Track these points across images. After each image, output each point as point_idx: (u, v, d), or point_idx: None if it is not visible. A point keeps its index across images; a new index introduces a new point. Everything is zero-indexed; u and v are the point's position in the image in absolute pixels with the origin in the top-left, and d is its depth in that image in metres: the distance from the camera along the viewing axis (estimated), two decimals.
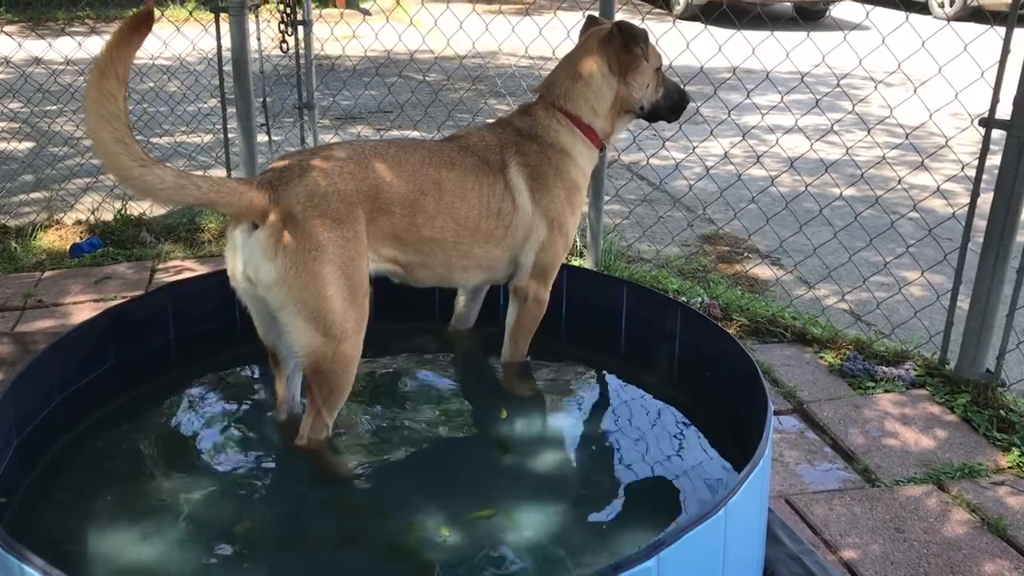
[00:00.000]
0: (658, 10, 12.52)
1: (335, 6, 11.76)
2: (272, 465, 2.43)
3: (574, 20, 4.27)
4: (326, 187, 2.31)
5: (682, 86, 2.99)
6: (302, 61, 4.70)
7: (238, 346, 2.91)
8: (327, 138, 5.45)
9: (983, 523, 2.65)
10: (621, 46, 2.76)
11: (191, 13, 6.85)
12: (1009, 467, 2.91)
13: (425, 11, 5.10)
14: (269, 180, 2.30)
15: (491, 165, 2.67)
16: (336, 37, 5.34)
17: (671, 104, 2.93)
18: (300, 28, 4.63)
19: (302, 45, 4.67)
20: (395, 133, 5.66)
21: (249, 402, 2.75)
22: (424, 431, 2.62)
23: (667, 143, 5.01)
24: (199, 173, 2.24)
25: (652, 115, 2.93)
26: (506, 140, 2.74)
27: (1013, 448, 2.98)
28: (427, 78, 6.67)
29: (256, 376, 2.86)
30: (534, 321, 2.85)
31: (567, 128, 2.77)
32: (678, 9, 13.23)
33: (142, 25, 2.02)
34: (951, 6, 13.62)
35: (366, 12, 11.86)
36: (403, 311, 3.01)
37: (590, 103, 2.79)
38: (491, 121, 2.96)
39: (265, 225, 2.25)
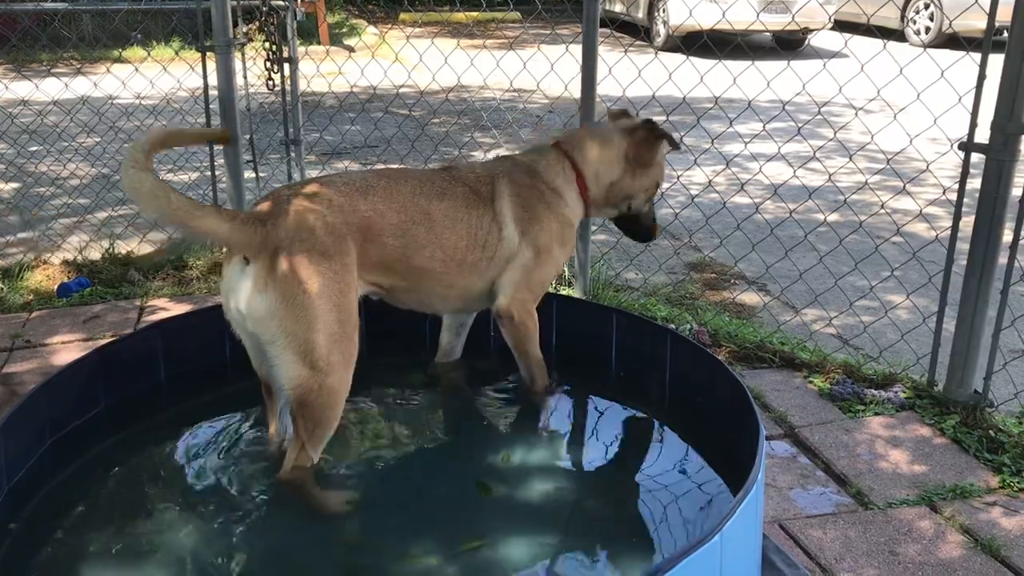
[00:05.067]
0: (640, 42, 12.67)
1: (319, 43, 11.84)
2: (266, 502, 2.42)
3: (556, 53, 4.34)
4: (314, 221, 2.33)
5: (658, 224, 3.18)
6: (288, 98, 4.73)
7: (229, 383, 2.91)
8: (313, 174, 5.47)
9: (977, 544, 2.66)
10: (643, 139, 2.90)
11: (177, 52, 6.89)
12: (1000, 487, 2.92)
13: (410, 47, 5.14)
14: (258, 215, 2.32)
15: (480, 196, 2.73)
16: (322, 74, 5.39)
17: (647, 224, 3.10)
18: (286, 65, 4.66)
19: (288, 82, 4.70)
20: (380, 167, 5.70)
21: (241, 439, 2.73)
22: (412, 463, 2.63)
23: None
24: (186, 197, 2.29)
25: (628, 222, 3.08)
26: (499, 171, 2.80)
27: (1003, 468, 3.00)
28: (413, 113, 6.72)
29: (248, 413, 2.85)
30: (529, 339, 2.85)
31: (568, 177, 2.88)
32: (659, 41, 13.40)
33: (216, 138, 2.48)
34: (927, 34, 13.84)
35: (351, 49, 11.96)
36: (390, 343, 3.02)
37: (596, 171, 2.91)
38: (497, 157, 3.04)
39: (256, 260, 2.27)
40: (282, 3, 4.61)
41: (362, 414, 2.87)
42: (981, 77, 3.12)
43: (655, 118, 3.02)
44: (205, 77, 4.74)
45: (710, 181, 4.74)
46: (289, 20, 4.65)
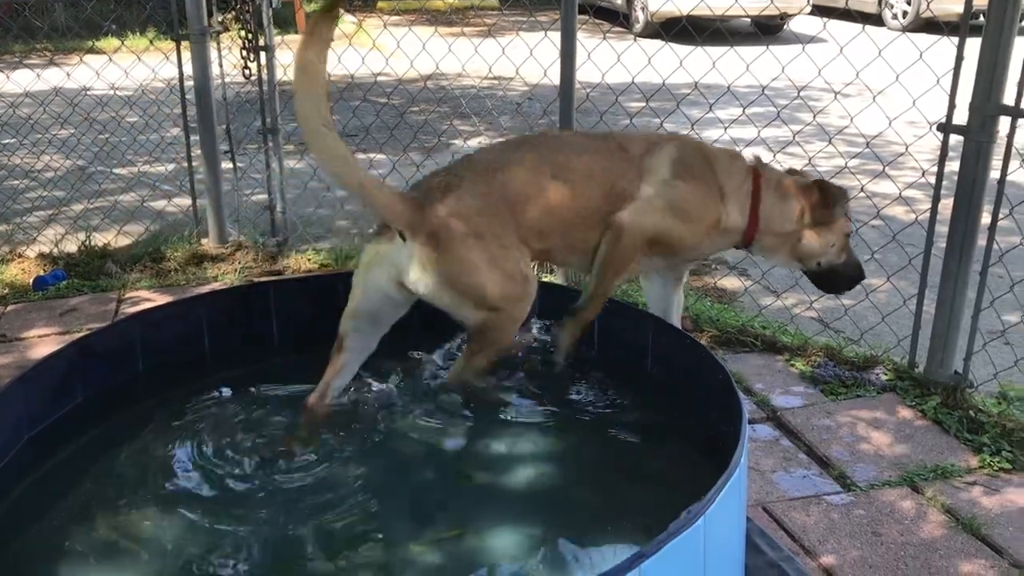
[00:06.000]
0: (619, 28, 12.64)
1: (297, 32, 11.75)
2: (248, 494, 2.40)
3: (535, 40, 4.32)
4: (462, 204, 2.47)
5: (861, 263, 3.01)
6: (265, 87, 4.69)
7: (209, 374, 2.88)
8: (292, 163, 5.42)
9: (958, 523, 2.68)
10: (819, 202, 2.81)
11: (152, 42, 6.80)
12: (980, 467, 2.95)
13: (388, 34, 5.10)
14: (418, 196, 2.49)
15: (629, 152, 2.72)
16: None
17: (848, 273, 2.96)
18: (262, 54, 4.61)
19: (265, 71, 4.65)
20: (360, 157, 5.66)
21: (222, 432, 2.70)
22: (393, 452, 2.60)
23: None
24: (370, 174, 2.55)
25: (823, 276, 2.96)
26: (669, 141, 2.78)
27: (983, 448, 3.02)
28: (391, 101, 6.67)
29: (228, 405, 2.82)
30: (614, 263, 2.75)
31: (744, 193, 2.78)
32: (638, 27, 13.39)
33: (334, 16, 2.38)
34: (904, 17, 13.88)
35: None
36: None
37: (773, 212, 2.81)
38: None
39: (414, 239, 2.42)
40: None
41: (346, 403, 2.85)
42: (959, 59, 3.13)
43: (636, 104, 3.00)
44: (180, 66, 4.69)
45: None
46: (265, 8, 4.60)
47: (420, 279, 2.45)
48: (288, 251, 4.73)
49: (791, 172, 3.02)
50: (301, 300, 3.16)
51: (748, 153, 2.97)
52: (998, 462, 2.95)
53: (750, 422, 3.20)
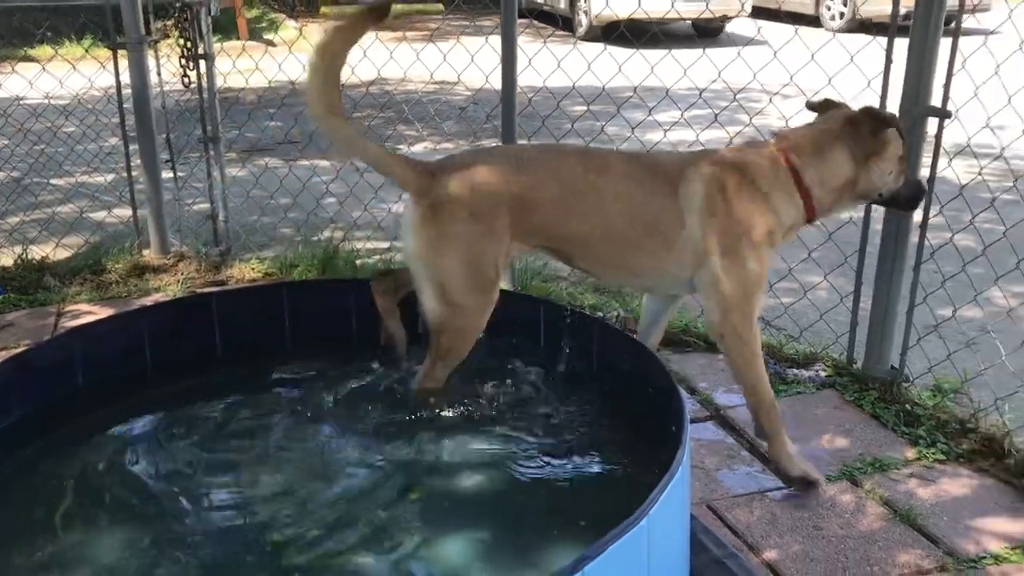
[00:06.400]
0: (561, 32, 12.71)
1: (238, 38, 11.62)
2: (189, 505, 2.37)
3: (477, 45, 4.33)
4: (473, 184, 2.57)
5: (921, 180, 2.91)
6: (205, 95, 4.63)
7: (151, 387, 2.85)
8: (234, 172, 5.38)
9: (895, 515, 2.75)
10: (870, 132, 2.71)
11: (87, 50, 6.67)
12: (916, 459, 3.03)
13: None
14: (432, 168, 2.63)
15: (664, 178, 2.70)
16: (239, 70, 5.28)
17: (909, 194, 2.87)
18: (202, 62, 4.56)
19: (204, 79, 4.60)
20: (304, 163, 5.62)
21: (163, 444, 2.67)
22: (340, 461, 2.59)
23: None
24: (378, 146, 2.75)
25: (889, 201, 2.89)
26: (698, 160, 2.74)
27: (919, 441, 3.10)
28: None
29: (170, 417, 2.78)
30: (747, 360, 2.75)
31: (783, 181, 2.71)
32: (581, 31, 13.48)
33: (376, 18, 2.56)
34: (841, 19, 14.17)
35: (270, 43, 11.76)
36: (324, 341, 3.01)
37: (821, 174, 2.72)
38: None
39: (418, 206, 2.58)
40: None
41: (294, 412, 2.83)
42: (888, 63, 3.22)
43: (578, 108, 3.03)
44: (117, 75, 4.62)
45: None
46: (204, 16, 4.55)
47: (408, 241, 2.62)
48: (231, 260, 4.68)
49: (821, 107, 2.92)
50: (245, 310, 3.14)
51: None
52: (933, 454, 3.04)
53: (694, 421, 3.25)
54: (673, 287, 2.88)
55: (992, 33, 3.57)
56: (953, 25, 3.12)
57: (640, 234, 2.70)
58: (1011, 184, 3.32)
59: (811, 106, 2.99)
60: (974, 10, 5.34)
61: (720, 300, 2.69)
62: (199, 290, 4.31)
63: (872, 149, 2.72)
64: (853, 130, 2.72)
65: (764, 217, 2.69)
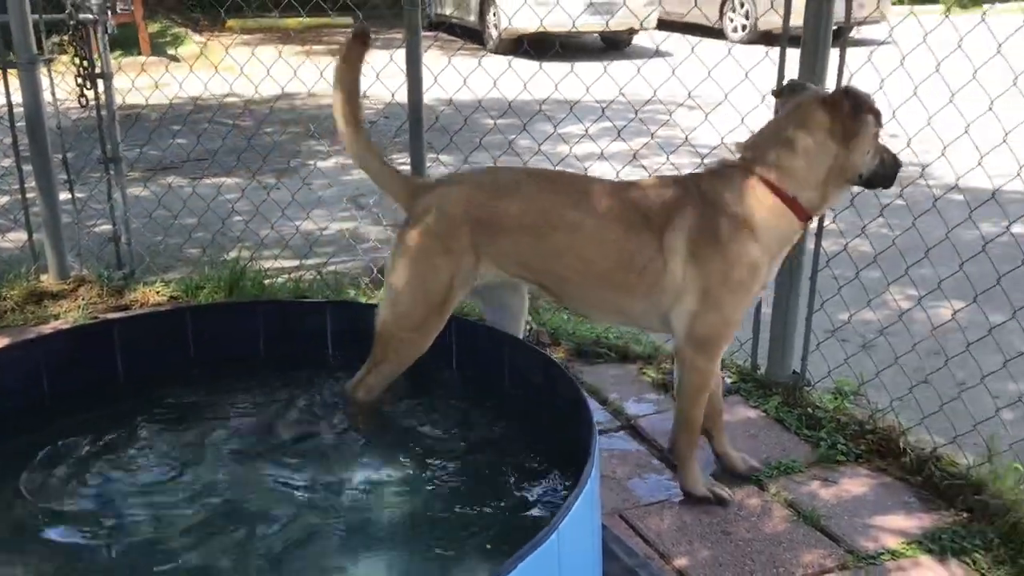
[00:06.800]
0: (471, 46, 12.77)
1: (140, 54, 11.35)
2: (86, 542, 2.29)
3: (383, 61, 4.31)
4: (436, 205, 2.68)
5: (896, 154, 2.77)
6: (104, 113, 4.51)
7: (48, 420, 2.76)
8: (137, 192, 5.24)
9: (799, 516, 2.83)
10: (849, 113, 2.60)
11: None
12: (818, 461, 3.12)
13: (230, 58, 5.01)
14: (421, 184, 2.85)
15: (650, 223, 2.65)
16: (138, 88, 5.16)
17: (887, 172, 2.74)
18: (100, 81, 4.44)
19: (103, 98, 4.48)
20: (210, 181, 5.52)
21: (61, 482, 2.57)
22: (246, 488, 2.54)
23: None
24: (380, 161, 2.84)
25: (868, 182, 2.75)
26: (682, 200, 2.66)
27: (821, 443, 3.20)
28: (241, 123, 6.55)
29: (67, 455, 2.68)
30: (695, 389, 2.78)
31: (762, 200, 2.63)
32: (492, 44, 13.55)
33: (362, 42, 2.72)
34: (743, 31, 14.57)
35: (174, 58, 11.51)
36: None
37: (800, 174, 2.63)
38: (683, 174, 2.86)
39: (406, 215, 2.77)
40: (91, 16, 4.38)
41: (198, 441, 2.77)
42: (780, 76, 3.32)
43: (490, 122, 3.05)
44: (8, 95, 4.46)
45: None
46: (100, 34, 4.43)
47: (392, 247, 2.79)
48: (135, 284, 4.56)
49: (790, 91, 2.83)
50: (149, 336, 3.06)
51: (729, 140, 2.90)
52: (834, 455, 3.14)
53: (606, 431, 3.30)
54: (654, 325, 2.85)
55: (882, 44, 3.70)
56: (851, 34, 3.24)
57: (618, 275, 2.69)
58: (899, 191, 3.46)
59: (776, 93, 2.96)
60: (863, 22, 5.57)
61: (690, 337, 2.70)
62: (101, 316, 4.18)
63: (852, 130, 2.61)
64: (830, 114, 2.61)
65: (748, 257, 2.64)
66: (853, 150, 2.63)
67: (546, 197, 2.71)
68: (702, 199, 2.66)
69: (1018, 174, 3.01)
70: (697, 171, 2.82)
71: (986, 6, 11.91)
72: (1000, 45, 2.93)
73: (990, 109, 3.01)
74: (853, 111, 2.60)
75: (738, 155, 2.75)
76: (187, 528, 2.33)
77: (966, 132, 3.07)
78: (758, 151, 2.68)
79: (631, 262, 2.66)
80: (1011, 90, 2.99)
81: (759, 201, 2.63)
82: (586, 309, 2.95)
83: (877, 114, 2.63)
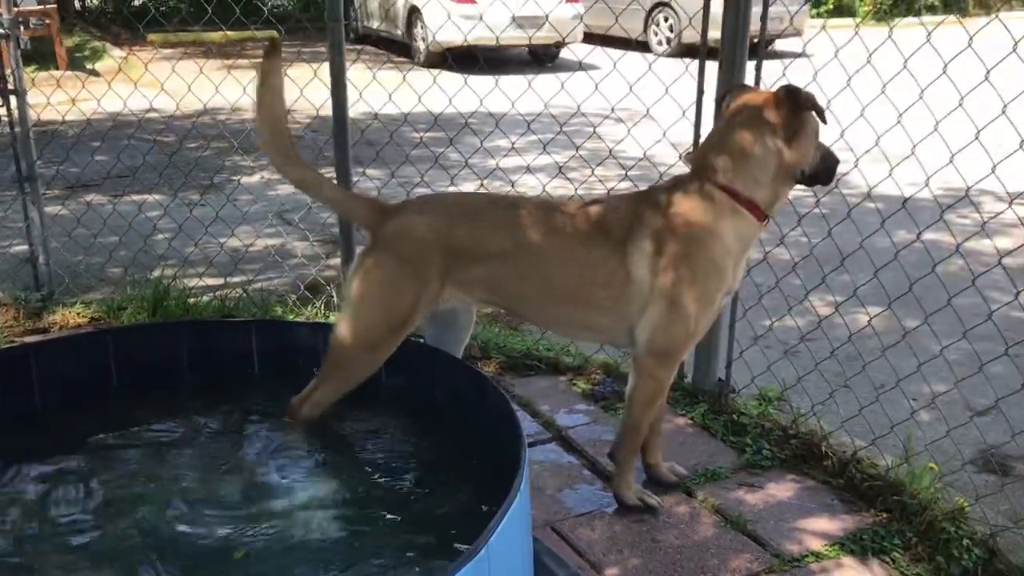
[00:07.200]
0: (398, 59, 12.74)
1: (57, 68, 11.06)
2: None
3: (307, 76, 4.29)
4: (407, 230, 2.69)
5: (832, 150, 2.80)
6: (17, 131, 4.39)
7: None
8: (56, 210, 5.10)
9: (727, 522, 2.88)
10: (790, 112, 2.63)
11: None
12: (744, 467, 3.19)
13: (161, 70, 4.92)
14: (387, 208, 2.78)
15: (610, 236, 2.68)
16: (53, 104, 5.03)
17: (827, 168, 2.76)
18: (12, 98, 4.32)
19: (16, 115, 4.36)
20: (130, 199, 5.40)
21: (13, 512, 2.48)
22: (168, 516, 2.48)
23: (415, 189, 5.10)
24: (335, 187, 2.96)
25: (811, 179, 2.76)
26: (640, 213, 2.69)
27: (746, 448, 3.27)
28: (160, 139, 6.43)
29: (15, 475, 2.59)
30: (649, 397, 2.83)
31: (720, 205, 2.66)
32: (420, 57, 13.54)
33: (274, 52, 2.65)
34: (667, 44, 14.82)
35: (94, 72, 11.24)
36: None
37: (753, 174, 2.66)
38: (639, 190, 2.90)
39: (368, 239, 2.76)
40: (2, 30, 4.26)
41: (120, 469, 2.70)
42: (700, 92, 3.40)
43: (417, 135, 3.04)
44: None
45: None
46: (12, 49, 4.31)
47: (352, 265, 2.77)
48: (54, 306, 4.43)
49: (733, 93, 2.85)
50: (68, 360, 2.98)
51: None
52: (759, 460, 3.21)
53: (537, 443, 3.32)
54: (621, 339, 2.87)
55: (799, 57, 3.80)
56: (770, 48, 3.32)
57: (584, 291, 2.73)
58: (816, 200, 3.55)
59: (720, 98, 3.01)
60: (780, 35, 5.72)
61: (652, 347, 2.74)
62: (18, 340, 4.06)
63: (795, 128, 2.65)
64: (775, 113, 2.65)
65: (712, 262, 2.68)
66: (797, 148, 2.67)
67: (512, 222, 2.73)
68: (661, 210, 2.70)
69: (926, 184, 3.12)
70: (654, 185, 2.87)
71: (897, 20, 12.31)
72: (906, 60, 3.04)
73: (898, 122, 3.12)
74: (795, 109, 2.64)
75: (689, 166, 2.81)
76: (111, 558, 2.28)
77: (876, 145, 3.17)
78: (709, 157, 2.72)
79: (596, 277, 2.70)
80: (918, 103, 3.10)
81: (717, 205, 2.67)
82: (553, 326, 3.00)
83: (819, 111, 2.66)
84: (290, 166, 2.73)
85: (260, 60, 2.66)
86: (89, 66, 12.07)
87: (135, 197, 5.54)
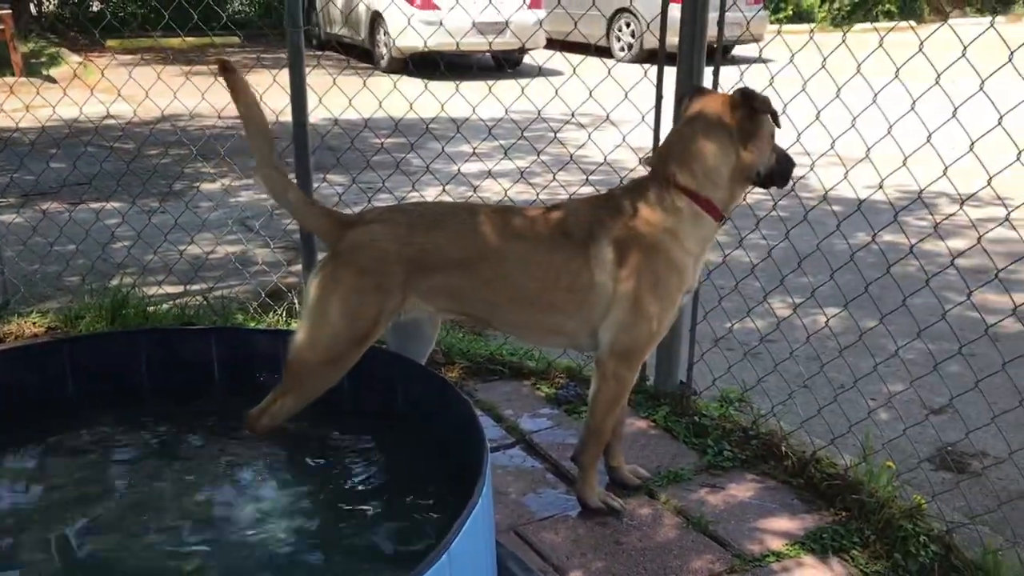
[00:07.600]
0: (359, 64, 12.70)
1: (13, 74, 10.89)
2: None
3: (267, 82, 4.26)
4: (368, 241, 2.66)
5: (788, 153, 2.85)
6: None
7: None
8: (11, 218, 5.03)
9: (689, 523, 2.90)
10: (746, 114, 2.68)
11: None
12: (706, 468, 3.21)
13: (119, 76, 4.85)
14: (346, 219, 2.76)
15: (572, 239, 2.69)
16: (7, 112, 4.95)
17: (782, 169, 2.82)
18: None
19: None
20: (87, 207, 5.33)
21: None
22: (125, 529, 2.45)
23: (377, 195, 5.09)
24: (300, 196, 2.86)
25: (765, 181, 2.81)
26: (601, 216, 2.71)
27: (707, 450, 3.30)
28: (124, 146, 6.34)
29: None
30: (612, 399, 2.85)
31: (678, 206, 2.70)
32: (383, 63, 13.51)
33: (226, 72, 2.63)
34: (629, 50, 14.92)
35: (50, 79, 11.08)
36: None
37: (710, 175, 2.70)
38: (600, 193, 2.91)
39: (328, 250, 2.73)
40: None
41: (78, 480, 2.66)
42: (659, 97, 3.42)
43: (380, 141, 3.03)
44: None
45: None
46: None
47: (310, 277, 2.75)
48: (9, 315, 4.36)
49: (695, 91, 2.92)
50: (20, 371, 2.93)
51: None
52: (721, 461, 3.23)
53: (501, 448, 3.32)
54: (584, 342, 2.88)
55: (757, 62, 3.85)
56: (731, 54, 3.36)
57: (548, 295, 2.73)
58: (774, 203, 3.60)
59: (680, 99, 3.04)
60: (739, 41, 5.79)
61: (614, 346, 2.76)
62: None
63: (750, 131, 2.71)
64: (731, 116, 2.70)
65: (672, 262, 2.71)
66: (752, 149, 2.72)
67: (473, 229, 2.73)
68: (621, 211, 2.73)
69: (880, 186, 3.17)
70: (614, 188, 2.89)
71: (848, 26, 12.50)
72: (860, 64, 3.09)
73: (853, 126, 3.16)
74: (751, 112, 2.69)
75: (648, 168, 2.84)
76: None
77: (832, 148, 3.22)
78: (668, 159, 2.76)
79: (559, 281, 2.72)
80: (872, 107, 3.15)
81: (676, 207, 2.71)
82: (518, 332, 2.98)
83: (774, 114, 2.72)
84: (264, 168, 2.70)
85: (194, 66, 2.66)
86: (45, 72, 11.90)
87: (93, 205, 5.47)
